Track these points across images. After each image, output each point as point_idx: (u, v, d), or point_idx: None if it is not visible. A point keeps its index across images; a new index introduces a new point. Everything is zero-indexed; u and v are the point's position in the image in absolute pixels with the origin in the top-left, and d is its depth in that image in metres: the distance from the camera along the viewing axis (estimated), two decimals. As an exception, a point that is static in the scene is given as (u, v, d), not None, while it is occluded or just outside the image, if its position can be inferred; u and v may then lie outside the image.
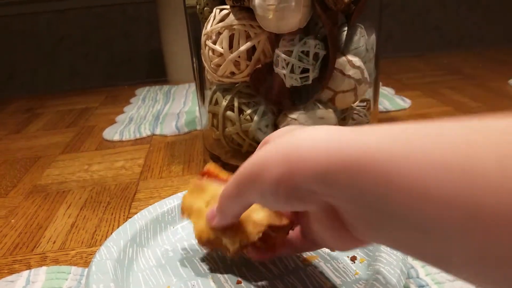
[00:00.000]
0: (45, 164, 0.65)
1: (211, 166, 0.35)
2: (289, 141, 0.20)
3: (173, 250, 0.38)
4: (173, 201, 0.42)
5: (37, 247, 0.43)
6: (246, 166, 0.22)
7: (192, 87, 1.06)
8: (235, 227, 0.29)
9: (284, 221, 0.29)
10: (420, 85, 0.93)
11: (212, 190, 0.33)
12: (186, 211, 0.33)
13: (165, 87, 1.08)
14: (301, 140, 0.20)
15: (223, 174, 0.34)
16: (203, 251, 0.37)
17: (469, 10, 1.30)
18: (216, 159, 0.60)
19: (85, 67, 1.23)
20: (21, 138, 0.80)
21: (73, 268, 0.38)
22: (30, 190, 0.57)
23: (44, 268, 0.39)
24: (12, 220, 0.49)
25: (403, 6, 1.28)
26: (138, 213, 0.40)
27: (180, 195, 0.43)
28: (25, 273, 0.38)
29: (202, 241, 0.31)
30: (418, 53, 1.29)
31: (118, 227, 0.45)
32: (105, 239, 0.43)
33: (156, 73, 1.24)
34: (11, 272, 0.39)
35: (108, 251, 0.35)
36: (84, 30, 1.20)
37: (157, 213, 0.40)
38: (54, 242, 0.44)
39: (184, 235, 0.40)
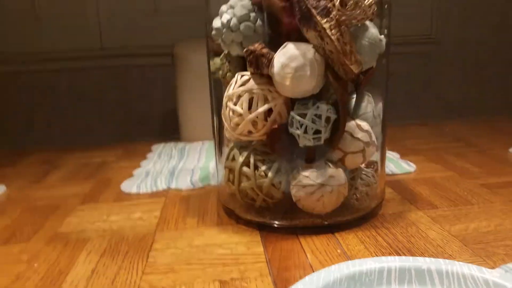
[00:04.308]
0: (65, 213, 0.68)
1: None
2: None
3: None
4: (374, 264, 0.40)
5: (59, 291, 0.45)
6: None
7: (205, 144, 1.11)
8: None
9: None
10: (424, 151, 0.97)
11: None
12: None
13: (180, 144, 1.13)
14: None
15: None
16: None
17: (471, 81, 1.37)
18: (230, 212, 0.63)
19: (100, 124, 1.29)
20: (41, 188, 0.83)
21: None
22: (51, 237, 0.59)
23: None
24: (35, 265, 0.51)
25: (407, 76, 1.35)
26: (335, 265, 0.40)
27: (383, 259, 0.41)
28: (49, 314, 0.40)
29: None
30: (421, 121, 1.34)
31: (136, 276, 0.47)
32: (125, 287, 0.45)
33: (169, 132, 1.29)
34: (35, 313, 0.41)
35: None
36: (102, 89, 1.27)
37: (355, 271, 0.39)
38: (75, 287, 0.46)
39: None
